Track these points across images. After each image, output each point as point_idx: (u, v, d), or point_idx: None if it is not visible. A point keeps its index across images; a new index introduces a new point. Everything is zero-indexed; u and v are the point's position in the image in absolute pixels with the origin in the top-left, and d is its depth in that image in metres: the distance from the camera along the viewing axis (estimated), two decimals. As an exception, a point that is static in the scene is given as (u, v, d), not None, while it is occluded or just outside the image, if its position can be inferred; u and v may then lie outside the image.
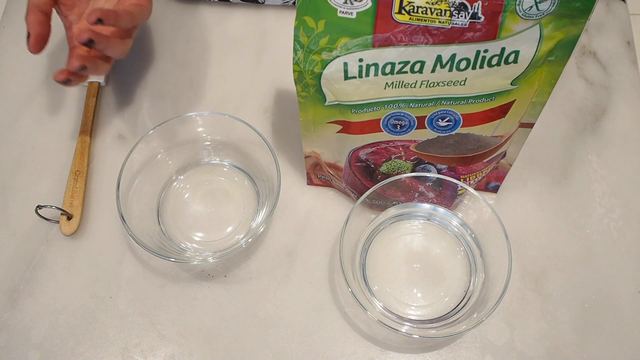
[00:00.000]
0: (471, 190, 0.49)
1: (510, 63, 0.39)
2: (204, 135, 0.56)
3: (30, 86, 0.62)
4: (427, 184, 0.51)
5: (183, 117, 0.53)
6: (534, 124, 0.46)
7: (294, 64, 0.40)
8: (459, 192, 0.51)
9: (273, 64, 0.63)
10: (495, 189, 0.55)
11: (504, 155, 0.50)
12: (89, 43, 0.45)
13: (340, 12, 0.37)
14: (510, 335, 0.50)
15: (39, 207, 0.52)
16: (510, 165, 0.52)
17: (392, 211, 0.54)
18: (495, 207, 0.50)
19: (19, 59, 0.63)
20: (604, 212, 0.55)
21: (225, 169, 0.57)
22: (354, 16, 0.37)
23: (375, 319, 0.45)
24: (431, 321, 0.49)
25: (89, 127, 0.58)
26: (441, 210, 0.53)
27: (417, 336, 0.47)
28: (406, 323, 0.49)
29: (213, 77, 0.62)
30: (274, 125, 0.59)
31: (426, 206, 0.54)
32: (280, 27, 0.65)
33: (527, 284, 0.52)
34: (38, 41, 0.48)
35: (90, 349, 0.50)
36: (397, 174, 0.50)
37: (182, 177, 0.56)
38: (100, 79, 0.61)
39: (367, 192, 0.49)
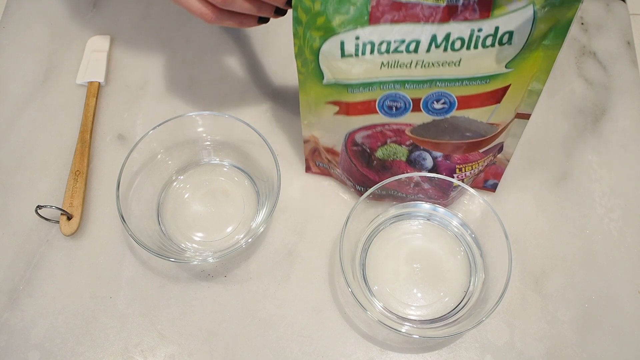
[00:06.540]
0: (466, 187, 0.49)
1: (504, 44, 0.40)
2: (204, 135, 0.56)
3: (30, 86, 0.62)
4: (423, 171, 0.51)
5: (183, 117, 0.53)
6: (530, 114, 0.46)
7: (294, 37, 0.42)
8: (454, 185, 0.51)
9: (273, 64, 0.63)
10: (493, 187, 0.55)
11: (501, 148, 0.50)
12: None
13: None
14: (510, 335, 0.50)
15: (39, 207, 0.52)
16: (508, 161, 0.52)
17: (392, 211, 0.54)
18: (495, 207, 0.50)
19: (19, 59, 0.63)
20: (604, 212, 0.55)
21: (225, 169, 0.57)
22: None
23: (375, 319, 0.45)
24: (431, 321, 0.49)
25: (89, 127, 0.58)
26: (441, 210, 0.53)
27: (417, 336, 0.47)
28: (406, 323, 0.49)
29: (213, 77, 0.62)
30: (274, 125, 0.59)
31: (426, 206, 0.54)
32: (281, 27, 0.65)
33: (527, 284, 0.52)
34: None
35: (90, 349, 0.50)
36: (393, 159, 0.50)
37: (182, 177, 0.56)
38: (100, 79, 0.61)
39: (367, 193, 0.49)
